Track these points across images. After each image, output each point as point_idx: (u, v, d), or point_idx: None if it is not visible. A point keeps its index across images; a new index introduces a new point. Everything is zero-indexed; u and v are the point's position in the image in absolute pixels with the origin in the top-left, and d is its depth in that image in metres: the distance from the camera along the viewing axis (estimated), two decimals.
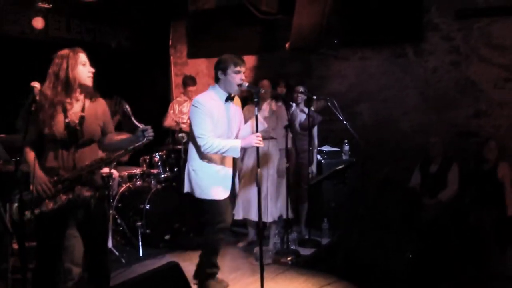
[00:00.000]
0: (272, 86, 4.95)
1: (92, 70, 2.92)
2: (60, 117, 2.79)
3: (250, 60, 6.60)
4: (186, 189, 3.68)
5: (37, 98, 2.67)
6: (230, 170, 3.63)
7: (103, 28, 6.27)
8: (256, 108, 3.32)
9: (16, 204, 2.78)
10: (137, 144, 2.92)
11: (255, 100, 3.31)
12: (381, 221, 4.91)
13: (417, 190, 5.12)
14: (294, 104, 5.08)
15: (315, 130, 5.19)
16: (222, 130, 3.48)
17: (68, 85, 2.81)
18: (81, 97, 2.91)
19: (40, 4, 5.25)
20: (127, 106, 3.07)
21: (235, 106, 3.66)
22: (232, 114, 3.59)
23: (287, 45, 4.91)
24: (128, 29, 6.64)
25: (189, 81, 6.03)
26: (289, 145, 4.70)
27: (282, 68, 6.35)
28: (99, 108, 2.99)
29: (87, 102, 2.93)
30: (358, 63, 6.00)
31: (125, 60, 6.47)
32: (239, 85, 3.45)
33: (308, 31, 4.69)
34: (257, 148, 3.37)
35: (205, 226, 3.67)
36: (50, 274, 2.87)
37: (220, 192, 3.55)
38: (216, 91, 3.53)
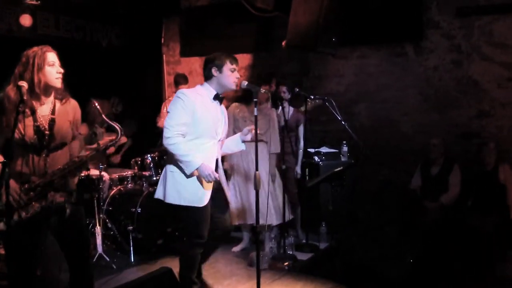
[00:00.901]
0: (263, 85, 4.93)
1: (61, 70, 2.81)
2: (29, 121, 2.73)
3: (245, 58, 6.61)
4: (158, 194, 3.47)
5: (25, 98, 2.65)
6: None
7: (93, 26, 6.26)
8: (255, 109, 3.26)
9: None
10: (110, 144, 2.89)
11: (254, 100, 3.25)
12: (380, 225, 4.93)
13: (418, 193, 5.14)
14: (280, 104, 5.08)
15: (301, 129, 5.18)
16: (205, 127, 3.34)
17: (34, 87, 2.73)
18: (51, 99, 2.85)
19: (28, 1, 5.23)
20: (96, 104, 3.01)
21: (223, 108, 3.57)
22: (220, 115, 3.48)
23: (283, 43, 4.92)
24: (119, 27, 6.63)
25: (180, 79, 6.02)
26: (275, 150, 4.73)
27: (279, 67, 6.36)
28: (70, 110, 2.93)
29: (57, 104, 2.86)
30: (357, 62, 6.02)
31: (116, 59, 6.47)
32: (235, 84, 3.40)
33: (305, 29, 4.69)
34: (256, 150, 3.28)
35: (181, 237, 3.53)
36: (26, 284, 2.80)
37: (200, 198, 3.35)
38: (206, 88, 3.44)
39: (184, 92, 3.37)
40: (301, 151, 5.17)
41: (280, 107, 5.03)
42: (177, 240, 4.98)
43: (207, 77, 3.45)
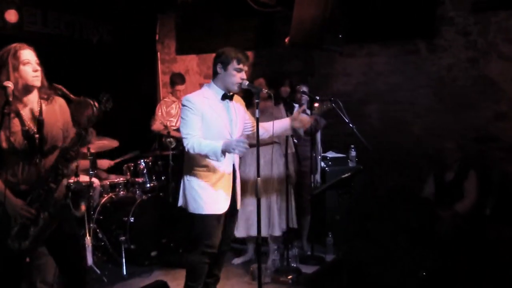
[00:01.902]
0: (275, 86, 4.93)
1: (38, 68, 2.77)
2: (15, 126, 2.71)
3: None
4: (180, 202, 3.58)
5: (10, 99, 2.64)
6: (230, 181, 3.50)
7: (83, 22, 6.26)
8: (257, 110, 3.25)
9: None
10: (90, 117, 2.82)
11: (256, 101, 3.25)
12: (391, 235, 4.91)
13: (431, 200, 5.12)
14: (296, 106, 5.08)
15: (318, 135, 5.19)
16: (217, 130, 3.38)
17: (13, 89, 2.70)
18: (35, 99, 2.82)
19: None
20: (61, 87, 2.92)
21: (236, 104, 3.55)
22: (232, 114, 3.48)
23: (286, 40, 4.91)
24: (110, 23, 6.62)
25: (177, 79, 6.01)
26: (290, 151, 4.70)
27: (282, 65, 6.36)
28: (58, 109, 2.91)
29: (44, 104, 2.84)
30: (365, 60, 6.01)
31: (107, 57, 6.46)
32: (237, 86, 3.38)
33: (310, 25, 4.69)
34: (258, 154, 3.24)
35: (192, 246, 3.57)
36: None
37: (218, 206, 3.42)
38: (212, 89, 3.44)
39: (190, 99, 3.38)
40: (319, 158, 5.17)
41: (296, 108, 5.03)
42: (173, 252, 4.98)
43: (214, 74, 3.46)
